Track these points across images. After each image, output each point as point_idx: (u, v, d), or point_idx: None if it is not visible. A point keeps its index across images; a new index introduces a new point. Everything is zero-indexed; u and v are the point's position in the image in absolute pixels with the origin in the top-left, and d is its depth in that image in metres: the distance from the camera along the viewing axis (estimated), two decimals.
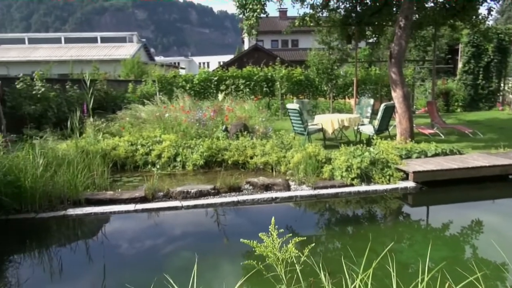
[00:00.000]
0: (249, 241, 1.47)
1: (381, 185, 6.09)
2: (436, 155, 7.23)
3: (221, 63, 31.23)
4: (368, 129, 9.18)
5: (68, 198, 5.25)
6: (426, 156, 7.18)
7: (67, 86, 11.52)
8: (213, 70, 17.43)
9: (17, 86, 9.58)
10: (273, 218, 1.49)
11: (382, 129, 9.20)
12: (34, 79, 9.88)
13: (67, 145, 6.41)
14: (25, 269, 4.00)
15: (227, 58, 41.99)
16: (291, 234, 1.58)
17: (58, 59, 24.32)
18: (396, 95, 8.78)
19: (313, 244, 1.56)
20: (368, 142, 8.62)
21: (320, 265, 1.87)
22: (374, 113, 10.43)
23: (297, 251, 1.45)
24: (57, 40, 34.24)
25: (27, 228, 4.87)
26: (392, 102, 9.04)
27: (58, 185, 5.20)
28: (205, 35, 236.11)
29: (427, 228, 5.05)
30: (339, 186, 6.01)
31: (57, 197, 5.17)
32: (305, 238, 1.66)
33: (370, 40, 14.22)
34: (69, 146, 6.36)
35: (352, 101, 15.94)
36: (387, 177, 6.19)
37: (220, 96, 11.02)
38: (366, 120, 10.00)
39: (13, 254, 4.47)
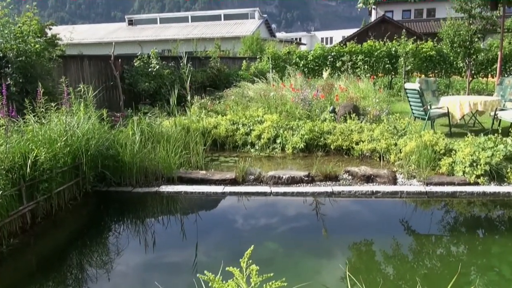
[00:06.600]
0: None
1: None
2: None
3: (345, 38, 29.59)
4: (510, 116, 7.49)
5: (163, 175, 5.37)
6: None
7: (181, 64, 12.00)
8: (330, 46, 16.48)
9: (135, 64, 10.32)
10: None
11: None
12: (150, 57, 10.48)
13: (169, 122, 6.59)
14: (122, 238, 4.26)
15: (353, 31, 39.64)
16: None
17: (185, 38, 25.90)
18: None
19: None
20: (509, 132, 7.03)
21: None
22: None
23: None
24: (184, 19, 36.27)
25: (124, 201, 5.17)
26: None
27: (154, 162, 5.34)
28: (331, 7, 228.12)
29: None
30: (459, 184, 4.95)
31: (152, 173, 5.33)
32: None
33: None
34: (171, 123, 6.52)
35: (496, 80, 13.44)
36: None
37: (325, 74, 10.24)
38: (509, 105, 8.17)
39: (112, 223, 4.82)
